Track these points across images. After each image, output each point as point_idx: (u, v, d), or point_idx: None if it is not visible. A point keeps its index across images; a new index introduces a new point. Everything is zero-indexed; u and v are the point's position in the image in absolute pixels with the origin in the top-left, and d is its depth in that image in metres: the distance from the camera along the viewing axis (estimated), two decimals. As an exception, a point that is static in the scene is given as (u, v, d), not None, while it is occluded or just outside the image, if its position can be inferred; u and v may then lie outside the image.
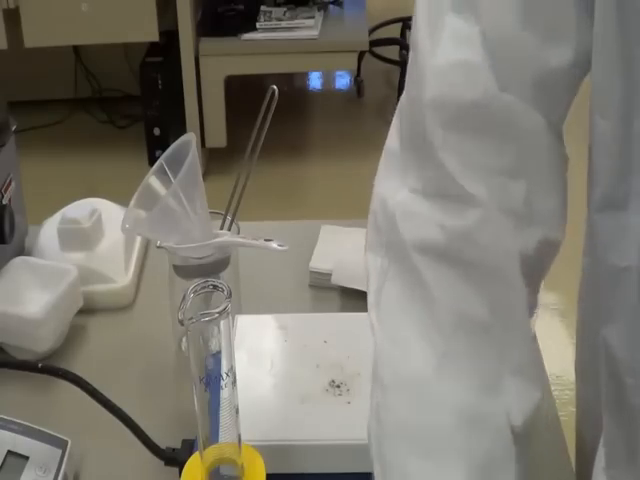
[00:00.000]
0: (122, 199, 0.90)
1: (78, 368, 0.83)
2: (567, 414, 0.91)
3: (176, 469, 0.76)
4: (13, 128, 0.99)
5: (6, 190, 0.97)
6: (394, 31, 3.54)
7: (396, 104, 0.66)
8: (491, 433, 0.59)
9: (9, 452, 0.76)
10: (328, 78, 3.72)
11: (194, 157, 0.77)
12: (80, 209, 1.02)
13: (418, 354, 0.59)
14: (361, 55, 3.28)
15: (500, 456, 0.59)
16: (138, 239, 1.07)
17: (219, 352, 0.59)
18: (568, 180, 0.63)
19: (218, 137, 2.88)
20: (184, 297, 0.58)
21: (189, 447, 0.76)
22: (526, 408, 0.61)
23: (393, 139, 0.65)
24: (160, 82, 2.86)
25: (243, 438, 0.64)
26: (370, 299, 0.63)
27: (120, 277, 1.02)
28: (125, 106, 3.22)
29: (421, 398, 0.59)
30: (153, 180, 0.80)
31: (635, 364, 0.56)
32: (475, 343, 0.60)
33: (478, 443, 0.59)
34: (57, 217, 1.04)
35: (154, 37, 2.71)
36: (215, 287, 0.59)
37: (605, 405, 0.60)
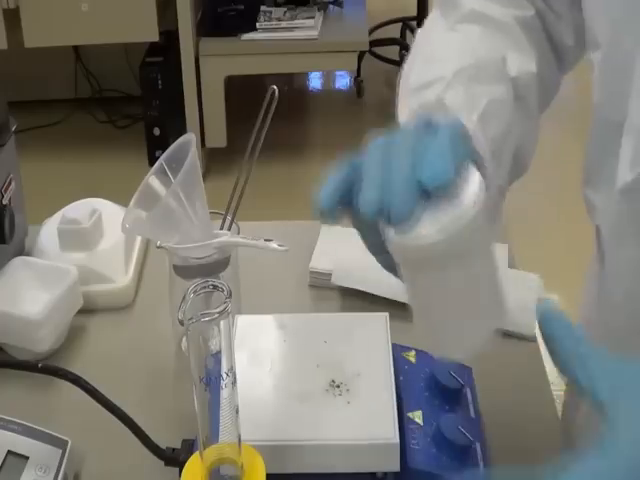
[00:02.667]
0: (122, 199, 0.90)
1: (78, 368, 0.83)
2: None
3: (176, 469, 0.76)
4: (13, 128, 0.99)
5: (6, 190, 0.97)
6: (394, 31, 3.54)
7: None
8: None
9: (9, 452, 0.76)
10: (328, 78, 3.73)
11: (194, 157, 0.77)
12: (80, 209, 1.02)
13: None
14: (361, 55, 3.28)
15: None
16: (138, 239, 1.07)
17: (219, 352, 0.59)
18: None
19: (218, 137, 2.88)
20: (184, 297, 0.58)
21: (189, 447, 0.76)
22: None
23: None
24: (160, 82, 2.86)
25: (243, 438, 0.64)
26: None
27: (120, 277, 1.02)
28: (125, 106, 3.22)
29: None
30: (153, 180, 0.80)
31: None
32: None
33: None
34: (57, 217, 1.04)
35: (154, 37, 2.71)
36: (215, 287, 0.59)
37: None
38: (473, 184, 0.58)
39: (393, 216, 0.56)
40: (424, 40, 0.77)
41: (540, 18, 0.76)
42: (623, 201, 0.68)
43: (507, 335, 0.95)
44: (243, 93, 2.94)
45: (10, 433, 0.77)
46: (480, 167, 0.63)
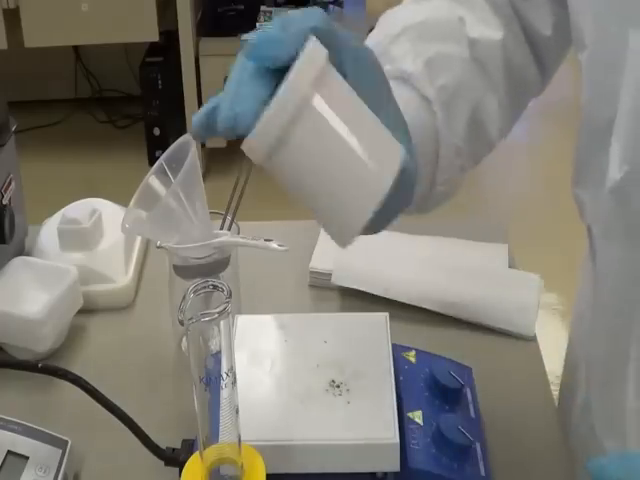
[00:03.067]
0: (122, 199, 0.90)
1: (78, 368, 0.83)
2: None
3: (176, 469, 0.76)
4: (13, 128, 0.99)
5: (6, 190, 0.97)
6: (394, 31, 3.54)
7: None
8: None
9: (9, 452, 0.76)
10: (328, 78, 3.72)
11: (194, 157, 0.77)
12: (80, 209, 1.02)
13: None
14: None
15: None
16: (138, 239, 1.07)
17: (219, 352, 0.59)
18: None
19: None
20: (184, 297, 0.58)
21: (189, 447, 0.76)
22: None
23: None
24: (160, 82, 2.86)
25: (243, 438, 0.64)
26: None
27: (120, 277, 1.02)
28: (125, 106, 3.22)
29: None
30: (153, 180, 0.79)
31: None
32: None
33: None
34: (57, 217, 1.04)
35: (154, 37, 2.71)
36: (215, 287, 0.59)
37: None
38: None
39: (240, 129, 0.57)
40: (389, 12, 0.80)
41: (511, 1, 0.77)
42: (612, 200, 0.68)
43: (507, 335, 0.95)
44: (243, 93, 2.94)
45: (10, 433, 0.77)
46: (428, 111, 0.69)
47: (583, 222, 0.79)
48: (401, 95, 0.66)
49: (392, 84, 0.64)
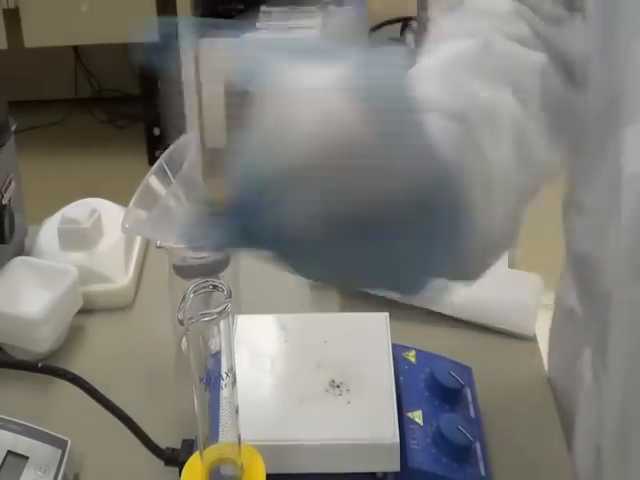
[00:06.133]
0: (122, 199, 0.90)
1: (78, 368, 0.83)
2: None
3: (176, 469, 0.76)
4: (13, 128, 0.99)
5: (6, 190, 0.97)
6: (394, 31, 3.54)
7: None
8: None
9: (9, 452, 0.76)
10: (328, 78, 3.72)
11: (194, 157, 0.77)
12: (80, 209, 1.02)
13: None
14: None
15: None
16: (138, 239, 1.07)
17: (219, 352, 0.59)
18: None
19: (218, 137, 2.88)
20: (184, 297, 0.58)
21: (189, 447, 0.76)
22: None
23: None
24: (160, 82, 2.85)
25: (243, 438, 0.64)
26: None
27: (120, 277, 1.02)
28: (125, 106, 3.21)
29: None
30: (153, 180, 0.79)
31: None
32: None
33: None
34: (57, 217, 1.04)
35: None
36: (215, 287, 0.59)
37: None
38: None
39: None
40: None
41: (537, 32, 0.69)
42: (629, 190, 0.62)
43: (507, 335, 0.95)
44: (243, 93, 2.94)
45: (10, 433, 0.77)
46: (460, 126, 0.58)
47: (573, 228, 0.74)
48: (431, 123, 0.55)
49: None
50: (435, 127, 0.55)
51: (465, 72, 0.63)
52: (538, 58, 0.66)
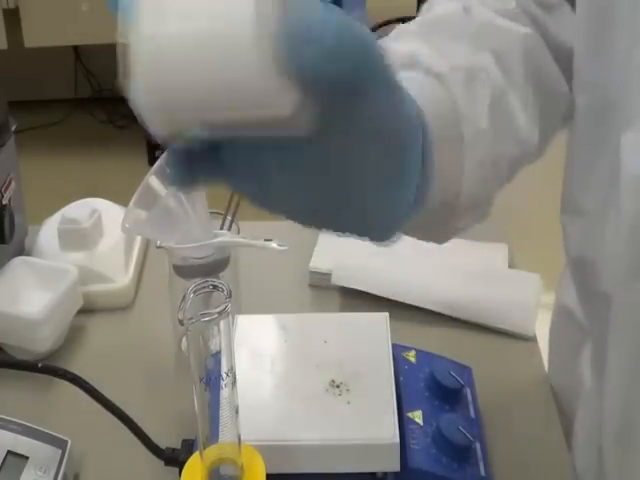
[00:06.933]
0: (122, 199, 0.90)
1: (78, 368, 0.83)
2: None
3: (176, 469, 0.76)
4: (13, 128, 0.99)
5: (6, 190, 0.97)
6: (394, 31, 3.54)
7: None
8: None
9: (9, 452, 0.76)
10: (328, 78, 3.72)
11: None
12: (80, 209, 1.02)
13: None
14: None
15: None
16: (138, 239, 1.07)
17: (219, 352, 0.59)
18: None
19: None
20: (184, 297, 0.58)
21: (189, 447, 0.76)
22: None
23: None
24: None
25: (243, 438, 0.64)
26: None
27: (120, 277, 1.02)
28: (125, 106, 3.20)
29: None
30: (153, 180, 0.79)
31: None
32: None
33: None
34: (57, 217, 1.04)
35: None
36: (215, 287, 0.59)
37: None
38: None
39: None
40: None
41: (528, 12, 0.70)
42: (627, 192, 0.62)
43: (507, 335, 0.95)
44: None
45: (10, 433, 0.77)
46: (443, 88, 0.60)
47: (572, 230, 0.73)
48: (410, 78, 0.58)
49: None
50: (413, 82, 0.56)
51: (446, 35, 0.64)
52: (522, 30, 0.66)
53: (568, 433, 0.84)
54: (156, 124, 0.49)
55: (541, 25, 0.68)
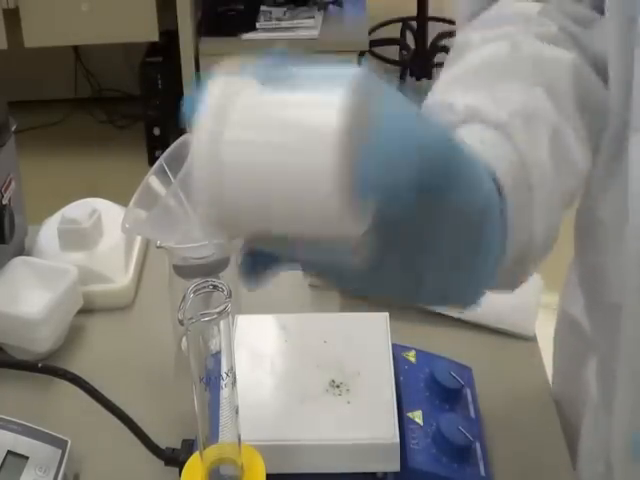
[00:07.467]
0: (122, 199, 0.90)
1: (78, 368, 0.83)
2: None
3: (176, 469, 0.76)
4: (13, 128, 0.99)
5: (6, 190, 0.97)
6: (394, 31, 3.54)
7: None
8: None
9: (9, 452, 0.76)
10: (328, 78, 3.72)
11: (194, 157, 0.77)
12: (80, 209, 1.02)
13: None
14: (361, 55, 3.28)
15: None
16: (138, 239, 1.07)
17: (219, 352, 0.59)
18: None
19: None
20: (184, 297, 0.58)
21: (189, 447, 0.76)
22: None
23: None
24: (160, 82, 2.85)
25: (243, 438, 0.64)
26: None
27: (120, 277, 1.02)
28: (125, 106, 3.21)
29: None
30: (153, 180, 0.79)
31: None
32: None
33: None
34: (57, 217, 1.04)
35: (154, 37, 2.71)
36: (215, 287, 0.59)
37: None
38: None
39: None
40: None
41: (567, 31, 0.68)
42: (636, 202, 0.62)
43: (507, 335, 0.95)
44: (243, 93, 2.94)
45: (10, 433, 0.77)
46: (505, 137, 0.58)
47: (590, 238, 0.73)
48: (471, 133, 0.56)
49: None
50: (475, 137, 0.55)
51: (495, 77, 0.62)
52: (569, 56, 0.64)
53: (573, 442, 0.83)
54: (218, 233, 0.51)
55: (582, 43, 0.67)
